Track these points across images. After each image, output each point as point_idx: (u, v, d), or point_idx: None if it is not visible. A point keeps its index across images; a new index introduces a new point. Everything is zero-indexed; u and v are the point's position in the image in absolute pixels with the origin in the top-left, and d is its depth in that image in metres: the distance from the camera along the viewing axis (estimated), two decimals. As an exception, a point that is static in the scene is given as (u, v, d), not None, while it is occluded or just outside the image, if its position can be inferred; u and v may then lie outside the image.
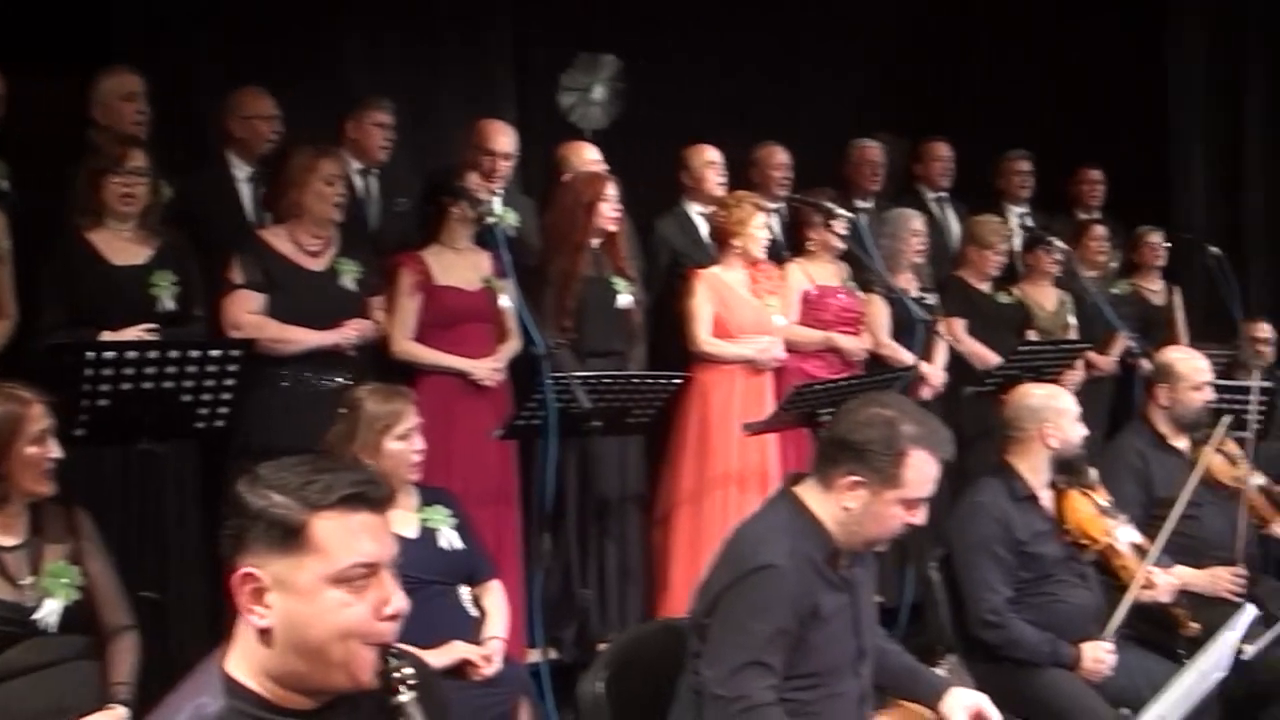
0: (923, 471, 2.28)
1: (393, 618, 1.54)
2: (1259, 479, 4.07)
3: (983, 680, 2.86)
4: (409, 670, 1.56)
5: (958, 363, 5.11)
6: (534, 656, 3.84)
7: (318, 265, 3.86)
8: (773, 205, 5.16)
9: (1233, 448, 4.06)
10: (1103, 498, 3.52)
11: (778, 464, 4.41)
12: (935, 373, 4.99)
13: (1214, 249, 5.59)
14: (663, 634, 2.57)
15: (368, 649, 1.53)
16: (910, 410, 2.35)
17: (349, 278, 3.89)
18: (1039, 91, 6.59)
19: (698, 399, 4.47)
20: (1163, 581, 3.40)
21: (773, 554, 2.23)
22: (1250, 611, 2.58)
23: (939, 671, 2.62)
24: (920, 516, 2.32)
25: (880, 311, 4.95)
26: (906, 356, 4.72)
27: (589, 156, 4.78)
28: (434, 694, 1.65)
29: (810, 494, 2.36)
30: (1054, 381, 4.51)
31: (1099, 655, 3.17)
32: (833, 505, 2.31)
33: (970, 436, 4.58)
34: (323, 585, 1.50)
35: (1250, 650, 2.99)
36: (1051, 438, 3.37)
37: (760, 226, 4.48)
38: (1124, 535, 3.43)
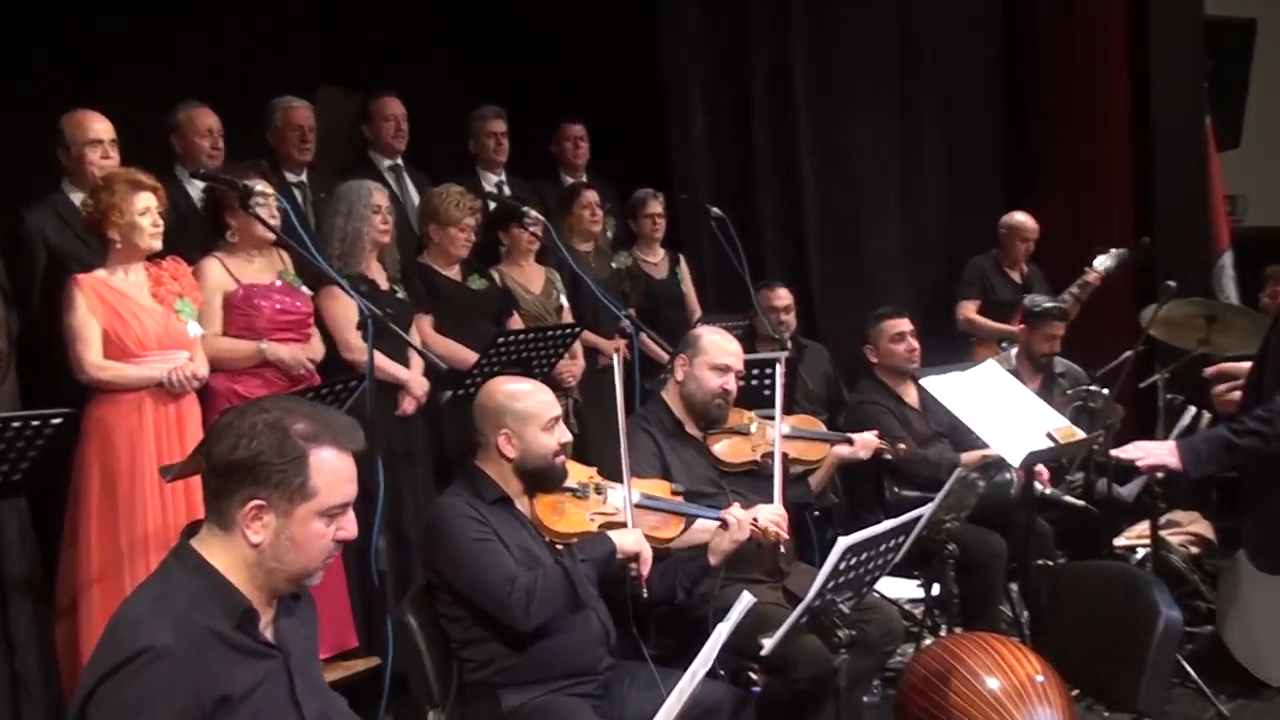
0: (333, 472, 2.07)
1: None
2: (785, 429, 3.88)
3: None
4: None
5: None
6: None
7: None
8: (198, 181, 4.31)
9: (742, 419, 3.92)
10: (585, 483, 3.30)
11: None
12: (416, 381, 4.47)
13: (715, 210, 5.36)
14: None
15: None
16: (297, 406, 2.15)
17: None
18: (515, 43, 6.12)
19: (98, 443, 3.77)
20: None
21: (153, 634, 1.94)
22: (747, 599, 2.65)
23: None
24: (350, 529, 2.11)
25: (345, 308, 4.28)
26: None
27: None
28: None
29: (210, 544, 2.07)
30: (549, 374, 4.29)
31: None
32: (239, 548, 2.06)
33: (454, 450, 4.30)
34: None
35: (769, 644, 3.03)
36: (509, 446, 3.09)
37: (143, 211, 3.71)
38: (614, 497, 3.26)
